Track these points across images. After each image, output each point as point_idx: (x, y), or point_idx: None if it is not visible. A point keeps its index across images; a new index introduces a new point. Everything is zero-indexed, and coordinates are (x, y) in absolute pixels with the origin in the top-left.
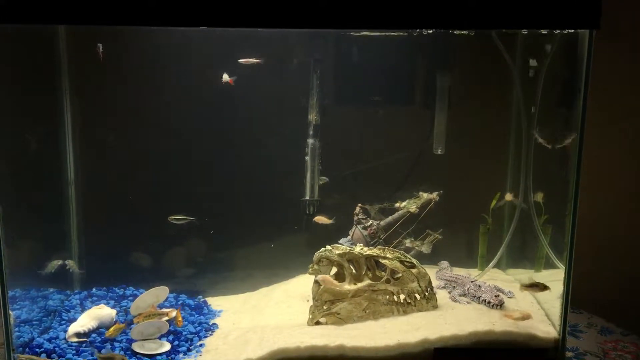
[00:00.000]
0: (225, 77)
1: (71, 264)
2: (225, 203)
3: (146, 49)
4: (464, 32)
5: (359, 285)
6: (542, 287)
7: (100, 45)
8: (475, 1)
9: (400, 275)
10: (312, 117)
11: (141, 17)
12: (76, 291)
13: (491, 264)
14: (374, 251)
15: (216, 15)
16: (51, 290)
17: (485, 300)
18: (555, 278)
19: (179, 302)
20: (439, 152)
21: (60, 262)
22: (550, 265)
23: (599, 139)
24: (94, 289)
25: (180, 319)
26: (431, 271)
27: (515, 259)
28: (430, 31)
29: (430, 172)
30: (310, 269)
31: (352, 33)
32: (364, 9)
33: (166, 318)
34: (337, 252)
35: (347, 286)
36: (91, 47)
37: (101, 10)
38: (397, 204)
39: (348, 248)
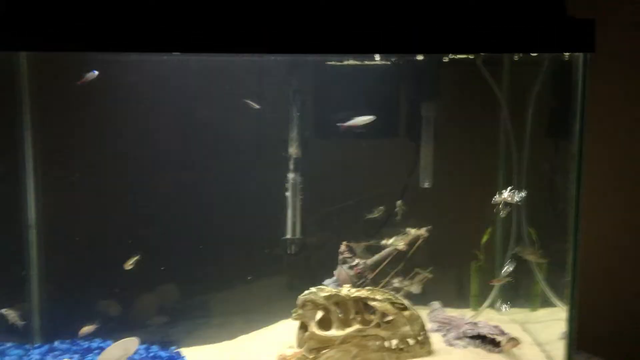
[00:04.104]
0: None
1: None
2: (200, 244)
3: (117, 79)
4: (449, 59)
5: (347, 330)
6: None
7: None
8: (462, 24)
9: (391, 318)
10: (293, 150)
11: (113, 43)
12: (37, 345)
13: (486, 304)
14: (362, 292)
15: (189, 40)
16: (8, 344)
17: (485, 337)
18: (552, 317)
19: (150, 355)
20: (426, 186)
21: None
22: (547, 302)
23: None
24: (56, 342)
25: None
26: (422, 312)
27: (509, 296)
28: (417, 57)
29: (417, 207)
30: (294, 314)
31: (332, 62)
32: (346, 33)
33: None
34: (323, 294)
35: (335, 332)
36: (56, 77)
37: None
38: (383, 241)
39: (334, 290)
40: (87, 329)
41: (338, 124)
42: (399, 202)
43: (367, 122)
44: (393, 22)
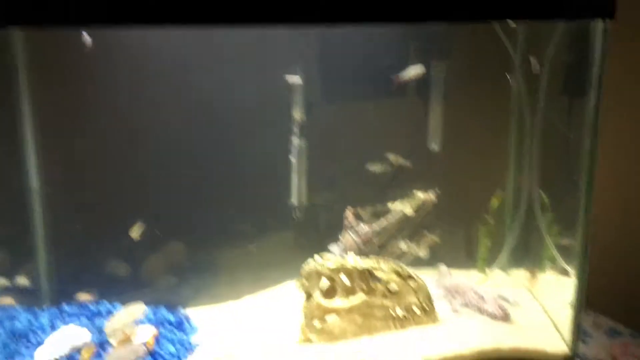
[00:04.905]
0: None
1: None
2: (207, 204)
3: (114, 47)
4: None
5: (353, 300)
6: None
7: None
8: None
9: (397, 288)
10: (297, 114)
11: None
12: (44, 307)
13: (494, 267)
14: (368, 263)
15: (185, 13)
16: (18, 308)
17: (488, 312)
18: (561, 280)
19: (157, 318)
20: (434, 148)
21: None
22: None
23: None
24: (64, 305)
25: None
26: (429, 275)
27: (517, 257)
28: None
29: (425, 169)
30: (299, 285)
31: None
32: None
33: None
34: (329, 266)
35: (340, 302)
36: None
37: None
38: (389, 204)
39: (340, 261)
40: (83, 297)
41: (391, 77)
42: (391, 156)
43: (420, 73)
44: None
